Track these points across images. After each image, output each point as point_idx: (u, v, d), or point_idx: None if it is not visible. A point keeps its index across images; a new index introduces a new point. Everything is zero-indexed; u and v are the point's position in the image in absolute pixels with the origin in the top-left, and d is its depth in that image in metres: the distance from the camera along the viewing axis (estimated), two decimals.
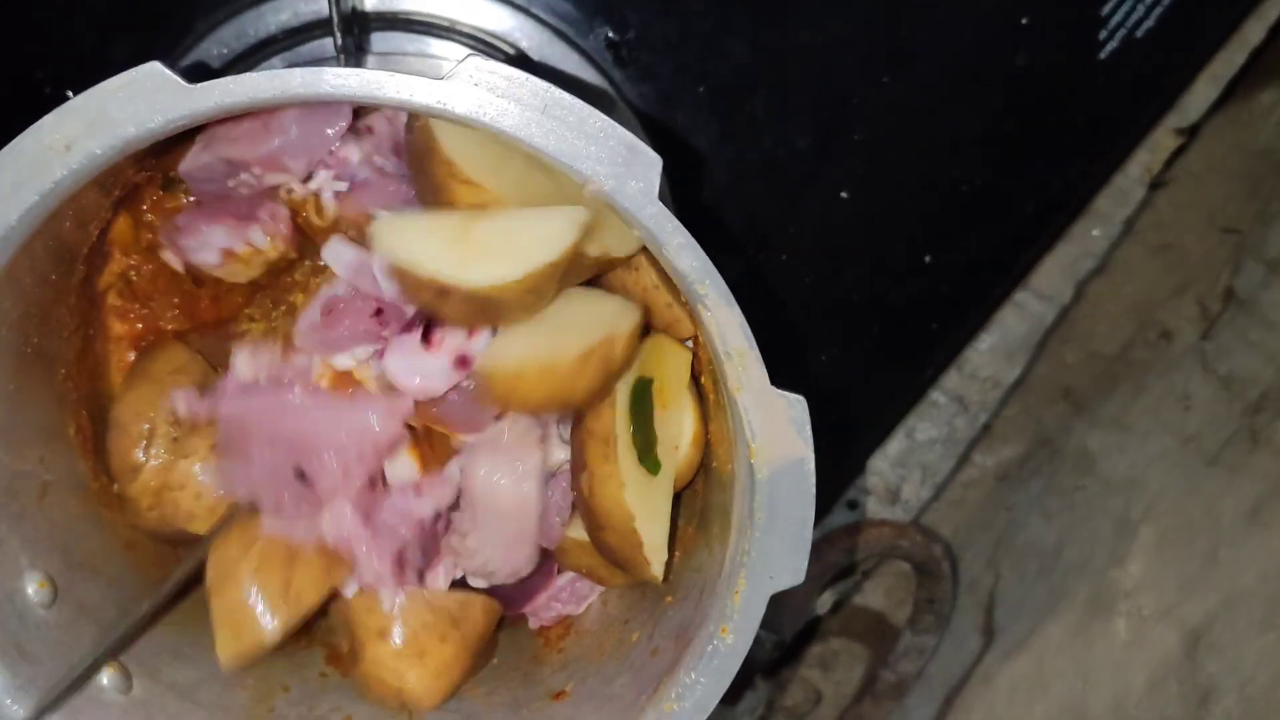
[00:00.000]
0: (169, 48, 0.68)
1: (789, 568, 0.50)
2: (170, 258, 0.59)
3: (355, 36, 0.65)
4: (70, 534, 0.57)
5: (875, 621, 1.09)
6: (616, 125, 0.45)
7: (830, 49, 0.72)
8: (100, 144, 0.44)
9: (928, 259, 0.76)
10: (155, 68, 0.44)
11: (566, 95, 0.45)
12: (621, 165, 0.46)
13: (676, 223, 0.47)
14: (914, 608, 0.99)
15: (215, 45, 0.67)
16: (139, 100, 0.44)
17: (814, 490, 0.49)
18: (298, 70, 0.45)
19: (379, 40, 0.68)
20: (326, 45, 0.67)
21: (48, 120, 0.44)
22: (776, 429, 0.48)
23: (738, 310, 0.48)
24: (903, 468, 0.93)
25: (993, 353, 0.91)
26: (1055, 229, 0.83)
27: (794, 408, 0.48)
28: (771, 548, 0.50)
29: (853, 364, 0.79)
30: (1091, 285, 0.98)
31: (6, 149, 0.44)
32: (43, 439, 0.56)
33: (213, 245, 0.58)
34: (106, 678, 0.55)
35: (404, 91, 0.45)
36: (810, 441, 0.49)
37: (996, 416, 0.96)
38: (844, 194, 0.74)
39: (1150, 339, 1.07)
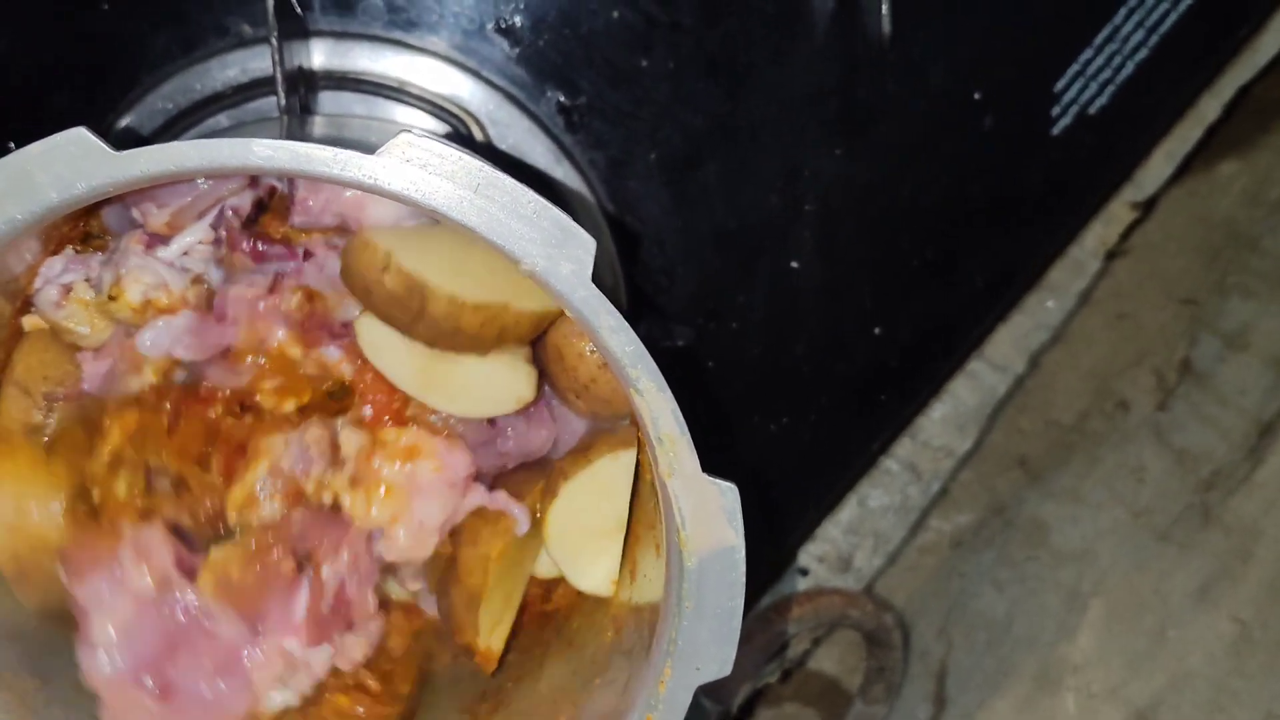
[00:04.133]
0: (114, 101, 0.67)
1: (716, 658, 0.49)
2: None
3: (301, 96, 0.64)
4: None
5: (828, 688, 1.08)
6: (550, 206, 0.45)
7: (783, 120, 0.71)
8: (22, 209, 0.43)
9: (877, 330, 0.76)
10: (80, 133, 0.43)
11: (500, 175, 0.45)
12: (555, 246, 0.45)
13: (609, 305, 0.46)
14: (864, 677, 0.98)
15: (160, 100, 0.66)
16: (62, 165, 0.43)
17: (744, 580, 0.48)
18: (225, 140, 0.44)
19: (327, 100, 0.67)
20: (274, 103, 0.66)
21: None
22: (707, 516, 0.48)
23: (669, 395, 0.47)
24: (855, 535, 0.92)
25: (945, 422, 0.91)
26: (1008, 301, 0.83)
27: (725, 495, 0.48)
28: (699, 638, 0.49)
29: (802, 432, 0.79)
30: (1048, 355, 0.98)
31: None
32: None
33: (53, 280, 0.55)
34: None
35: (334, 166, 0.44)
36: (740, 530, 0.48)
37: (951, 483, 0.95)
38: (794, 264, 0.74)
39: (1107, 409, 1.07)
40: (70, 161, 0.43)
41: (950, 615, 1.04)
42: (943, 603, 1.06)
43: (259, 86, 0.67)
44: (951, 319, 0.78)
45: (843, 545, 0.93)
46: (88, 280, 0.54)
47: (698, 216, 0.72)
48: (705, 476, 0.47)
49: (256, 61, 0.67)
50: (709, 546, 0.48)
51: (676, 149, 0.71)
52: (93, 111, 0.67)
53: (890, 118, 0.73)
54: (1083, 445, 1.05)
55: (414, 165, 0.44)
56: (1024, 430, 1.08)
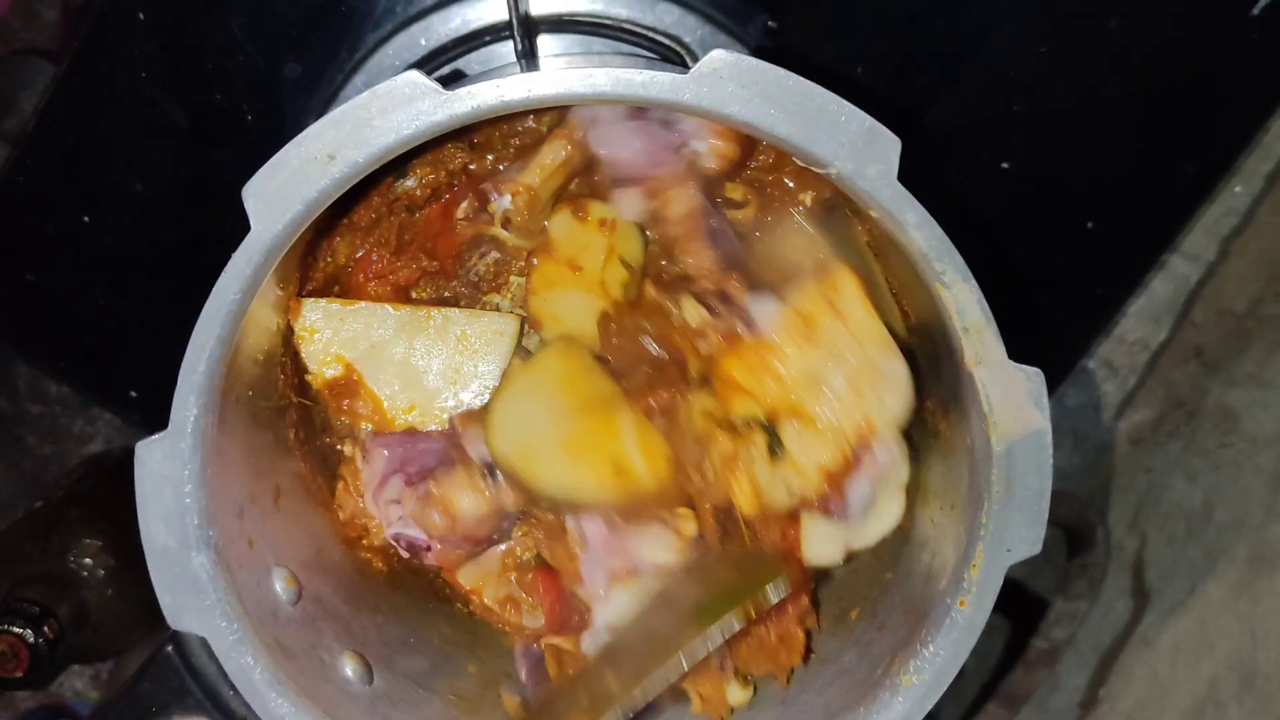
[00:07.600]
0: (343, 64, 0.69)
1: (1026, 539, 0.51)
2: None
3: (528, 40, 0.66)
4: (300, 532, 0.59)
5: (1012, 590, 1.09)
6: (856, 110, 0.46)
7: (989, 24, 0.72)
8: (363, 153, 0.45)
9: (1090, 225, 0.76)
10: (414, 76, 0.45)
11: (807, 83, 0.46)
12: (861, 148, 0.46)
13: (914, 202, 0.47)
14: (1066, 574, 0.99)
15: (387, 58, 0.68)
16: (398, 109, 0.45)
17: (1051, 462, 0.50)
18: (539, 75, 0.46)
19: (546, 43, 0.68)
20: (496, 51, 0.68)
21: (311, 131, 0.45)
22: (1014, 402, 0.49)
23: (975, 286, 0.48)
24: (1054, 434, 0.92)
25: (1140, 315, 0.91)
26: (1207, 188, 0.82)
27: (1031, 381, 0.49)
28: (1009, 520, 0.50)
29: (1013, 337, 0.79)
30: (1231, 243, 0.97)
31: (272, 161, 0.45)
32: (274, 447, 0.58)
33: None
34: (350, 670, 0.56)
35: (652, 90, 0.45)
36: (1047, 413, 0.49)
37: (1147, 376, 0.96)
38: (1005, 165, 0.74)
39: None
40: (405, 104, 0.45)
41: (1140, 511, 1.04)
42: (1129, 499, 1.06)
43: (479, 36, 0.69)
44: (1157, 209, 0.78)
45: None
46: None
47: (908, 125, 0.72)
48: (1012, 364, 0.49)
49: (474, 12, 0.69)
50: (1017, 431, 0.49)
51: (885, 63, 0.72)
52: (320, 75, 0.70)
53: (1092, 12, 0.72)
54: (1260, 331, 1.04)
55: (728, 81, 0.45)
56: (1197, 322, 1.08)
